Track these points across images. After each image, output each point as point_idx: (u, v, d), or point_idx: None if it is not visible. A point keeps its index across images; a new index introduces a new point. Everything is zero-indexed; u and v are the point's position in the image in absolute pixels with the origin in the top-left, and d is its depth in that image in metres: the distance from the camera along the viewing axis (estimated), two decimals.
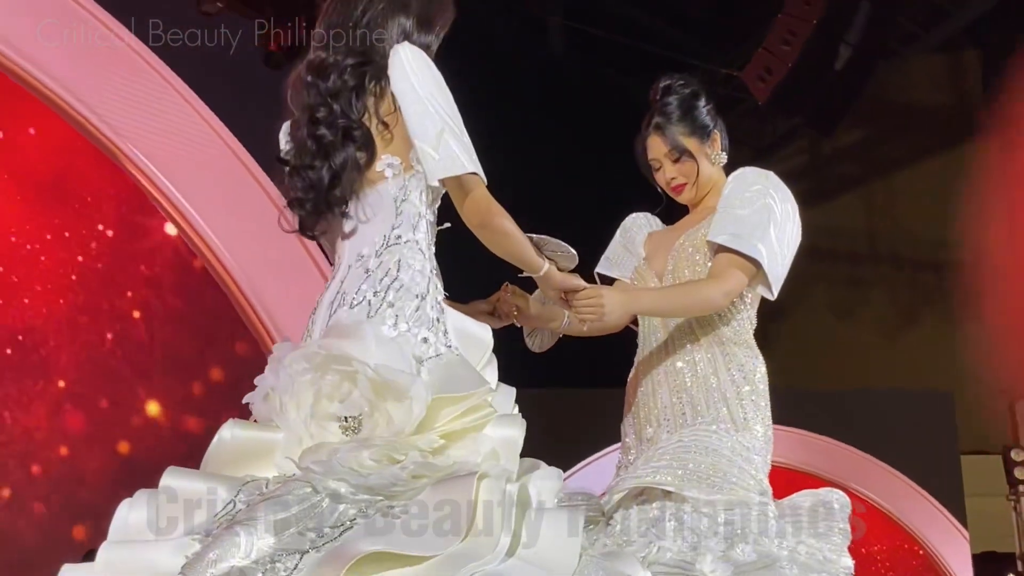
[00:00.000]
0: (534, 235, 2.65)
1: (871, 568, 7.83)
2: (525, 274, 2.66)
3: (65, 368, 5.70)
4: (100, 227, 5.81)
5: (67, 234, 5.71)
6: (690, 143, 3.05)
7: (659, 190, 3.17)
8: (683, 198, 3.13)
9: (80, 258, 5.74)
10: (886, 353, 9.25)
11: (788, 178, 3.10)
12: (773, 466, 2.95)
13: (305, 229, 2.50)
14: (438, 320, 2.37)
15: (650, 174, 3.14)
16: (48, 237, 5.65)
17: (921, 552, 8.03)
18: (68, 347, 5.70)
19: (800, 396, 7.58)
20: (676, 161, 3.06)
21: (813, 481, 7.06)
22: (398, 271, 2.36)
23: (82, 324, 5.75)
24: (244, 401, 2.35)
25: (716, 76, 8.12)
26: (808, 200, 3.13)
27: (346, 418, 2.20)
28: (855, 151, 9.47)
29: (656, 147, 3.08)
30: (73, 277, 5.73)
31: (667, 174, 3.09)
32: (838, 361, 9.35)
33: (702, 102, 3.10)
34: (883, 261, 10.11)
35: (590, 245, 2.92)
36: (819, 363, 9.20)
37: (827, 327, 9.56)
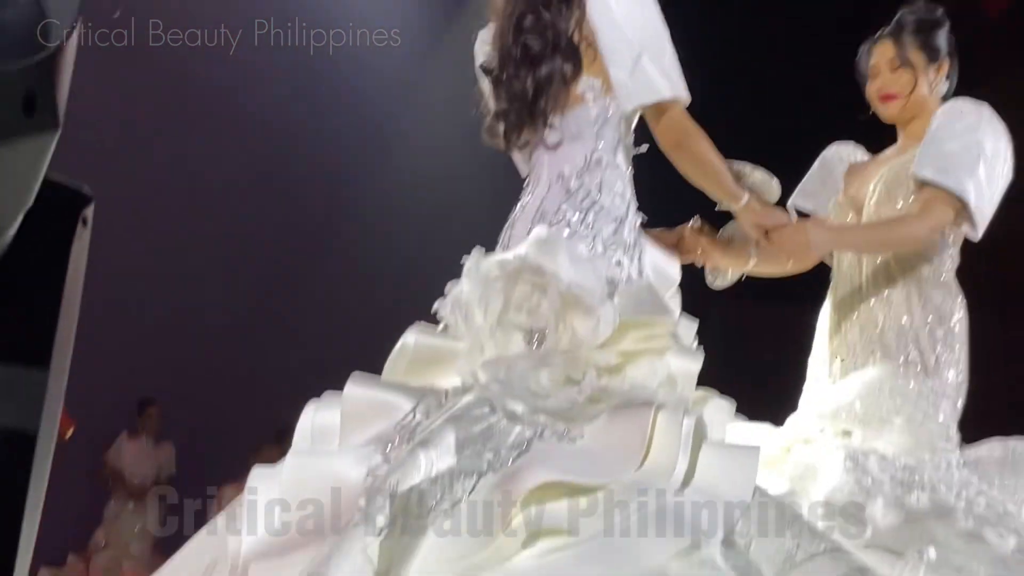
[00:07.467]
0: (735, 162, 2.58)
1: None
2: (723, 207, 2.61)
3: None
4: None
5: None
6: (916, 57, 2.96)
7: (866, 102, 3.05)
8: (888, 112, 3.01)
9: None
10: None
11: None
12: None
13: (508, 142, 2.51)
14: (634, 245, 2.37)
15: (864, 83, 3.05)
16: None
17: None
18: None
19: None
20: (895, 70, 2.96)
21: None
22: (599, 193, 2.36)
23: None
24: (433, 310, 2.36)
25: None
26: None
27: (531, 330, 2.20)
28: None
29: (882, 52, 3.00)
30: None
31: (881, 81, 2.99)
32: None
33: (944, 30, 3.00)
34: None
35: (788, 177, 2.84)
36: None
37: None
